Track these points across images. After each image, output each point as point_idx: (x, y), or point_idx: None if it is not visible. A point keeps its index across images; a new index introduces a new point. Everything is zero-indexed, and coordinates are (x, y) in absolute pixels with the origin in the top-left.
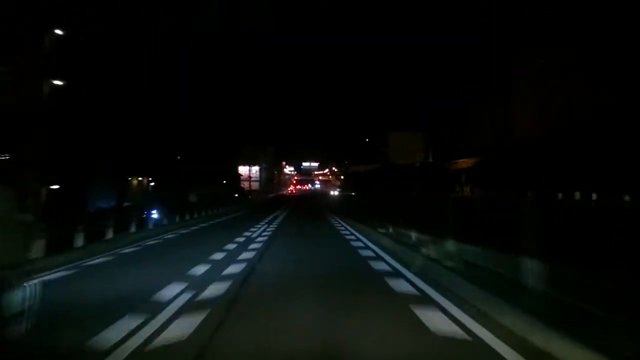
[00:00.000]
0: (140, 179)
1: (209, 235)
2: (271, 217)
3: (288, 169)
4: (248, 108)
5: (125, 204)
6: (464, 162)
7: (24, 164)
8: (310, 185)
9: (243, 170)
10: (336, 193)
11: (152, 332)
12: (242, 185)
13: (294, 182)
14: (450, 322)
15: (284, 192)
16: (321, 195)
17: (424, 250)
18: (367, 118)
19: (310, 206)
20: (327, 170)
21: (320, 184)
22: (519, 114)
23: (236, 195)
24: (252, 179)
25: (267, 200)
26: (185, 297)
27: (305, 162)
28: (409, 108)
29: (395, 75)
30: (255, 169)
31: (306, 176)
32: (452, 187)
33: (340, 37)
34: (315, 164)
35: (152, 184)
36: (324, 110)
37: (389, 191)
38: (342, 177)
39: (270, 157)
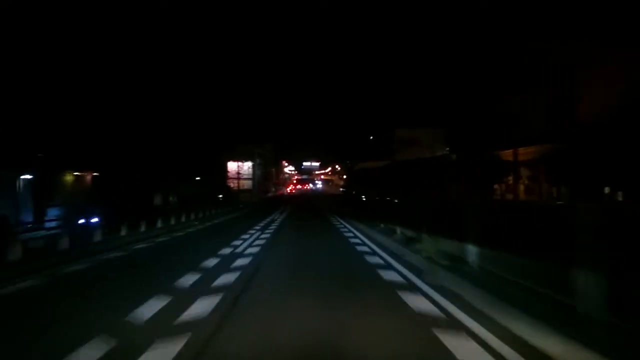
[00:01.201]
0: (78, 173)
1: (141, 269)
2: (261, 225)
3: (288, 169)
4: (246, 106)
5: (54, 209)
6: (524, 150)
7: None
8: (311, 185)
9: (232, 166)
10: (341, 191)
11: None
12: (231, 185)
13: (294, 181)
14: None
15: (283, 192)
16: (324, 196)
17: None
18: (371, 115)
19: (313, 211)
20: (328, 169)
21: (322, 183)
22: (586, 94)
23: (220, 196)
24: (241, 177)
25: (261, 202)
26: None
27: (305, 161)
28: (416, 103)
29: (399, 70)
30: (248, 164)
31: (307, 175)
32: (491, 185)
33: (340, 33)
34: (317, 164)
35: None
36: (325, 108)
37: (410, 190)
38: (344, 176)
39: (269, 154)
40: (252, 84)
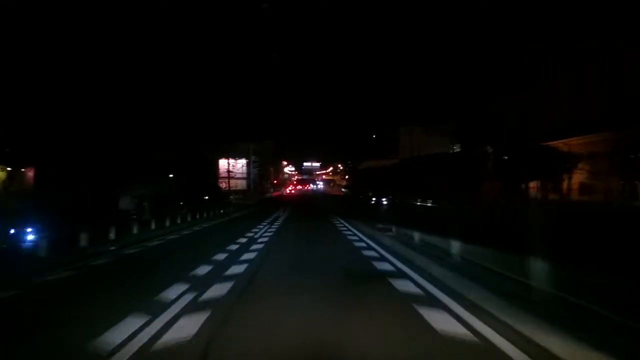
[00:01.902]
0: (11, 169)
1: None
2: (241, 243)
3: (288, 169)
4: (245, 103)
5: None
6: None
7: None
8: (312, 185)
9: (223, 164)
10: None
11: None
12: (222, 185)
13: (294, 181)
14: None
15: (281, 193)
16: (326, 198)
17: None
18: (371, 113)
19: (315, 222)
20: (329, 169)
21: (323, 183)
22: None
23: (206, 197)
24: (233, 176)
25: (255, 204)
26: None
27: (306, 162)
28: (418, 99)
29: (400, 68)
30: (242, 162)
31: (307, 175)
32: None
33: (341, 31)
34: (317, 164)
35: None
36: (325, 108)
37: (425, 190)
38: (346, 176)
39: (267, 151)
40: (252, 81)
